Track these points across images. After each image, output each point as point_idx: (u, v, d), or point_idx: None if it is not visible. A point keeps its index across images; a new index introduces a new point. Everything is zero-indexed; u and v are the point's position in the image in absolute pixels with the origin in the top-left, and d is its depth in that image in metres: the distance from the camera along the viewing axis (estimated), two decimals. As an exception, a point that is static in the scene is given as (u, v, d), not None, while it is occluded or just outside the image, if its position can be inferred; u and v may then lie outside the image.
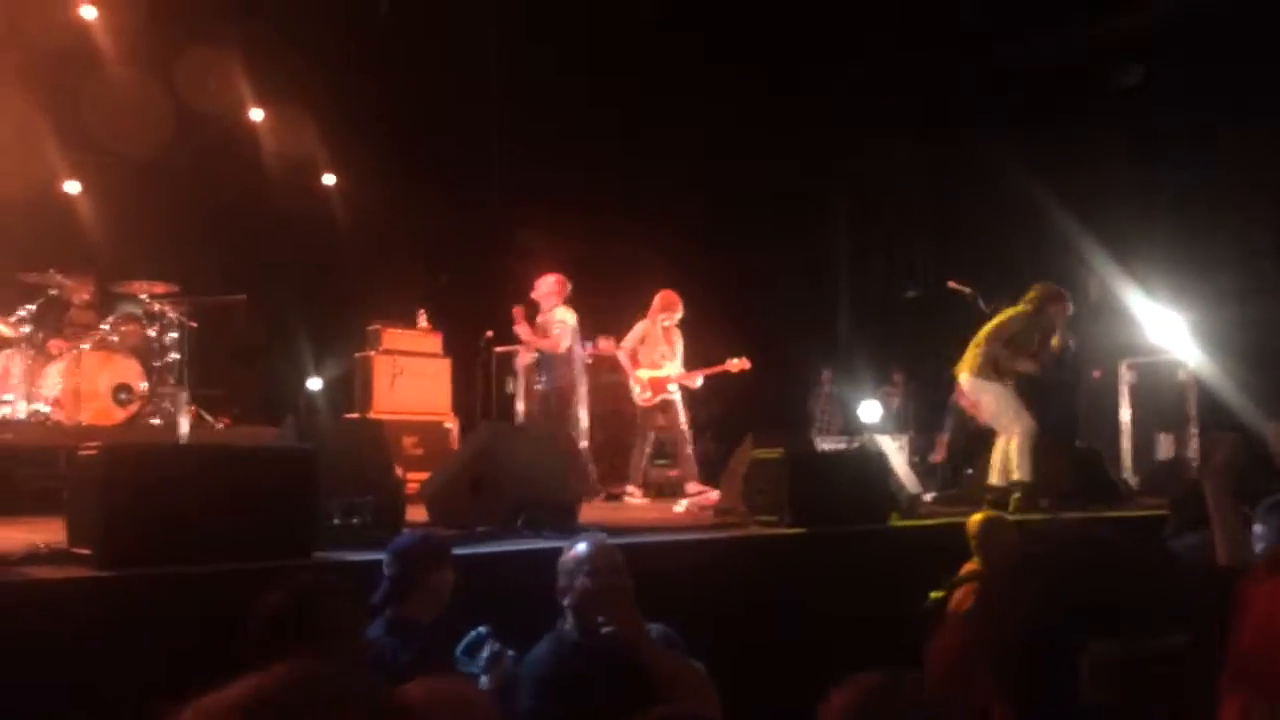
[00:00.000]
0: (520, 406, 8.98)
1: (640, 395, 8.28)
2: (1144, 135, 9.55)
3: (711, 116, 10.61)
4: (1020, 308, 7.11)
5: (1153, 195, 9.45)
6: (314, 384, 9.25)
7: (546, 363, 8.04)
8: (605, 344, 9.72)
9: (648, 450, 8.43)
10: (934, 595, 4.08)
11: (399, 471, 6.00)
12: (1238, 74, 8.85)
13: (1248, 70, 8.79)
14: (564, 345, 7.93)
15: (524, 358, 8.55)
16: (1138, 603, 1.05)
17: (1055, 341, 7.14)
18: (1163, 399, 9.03)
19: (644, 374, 8.24)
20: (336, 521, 4.31)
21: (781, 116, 11.06)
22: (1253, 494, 3.40)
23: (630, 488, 8.19)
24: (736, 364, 8.28)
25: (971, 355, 7.13)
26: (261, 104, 9.66)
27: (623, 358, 8.35)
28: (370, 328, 8.97)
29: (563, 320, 7.96)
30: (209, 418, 7.78)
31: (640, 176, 10.57)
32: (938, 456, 9.79)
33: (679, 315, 8.29)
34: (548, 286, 8.06)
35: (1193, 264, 9.10)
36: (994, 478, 7.12)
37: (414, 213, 9.81)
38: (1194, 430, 8.81)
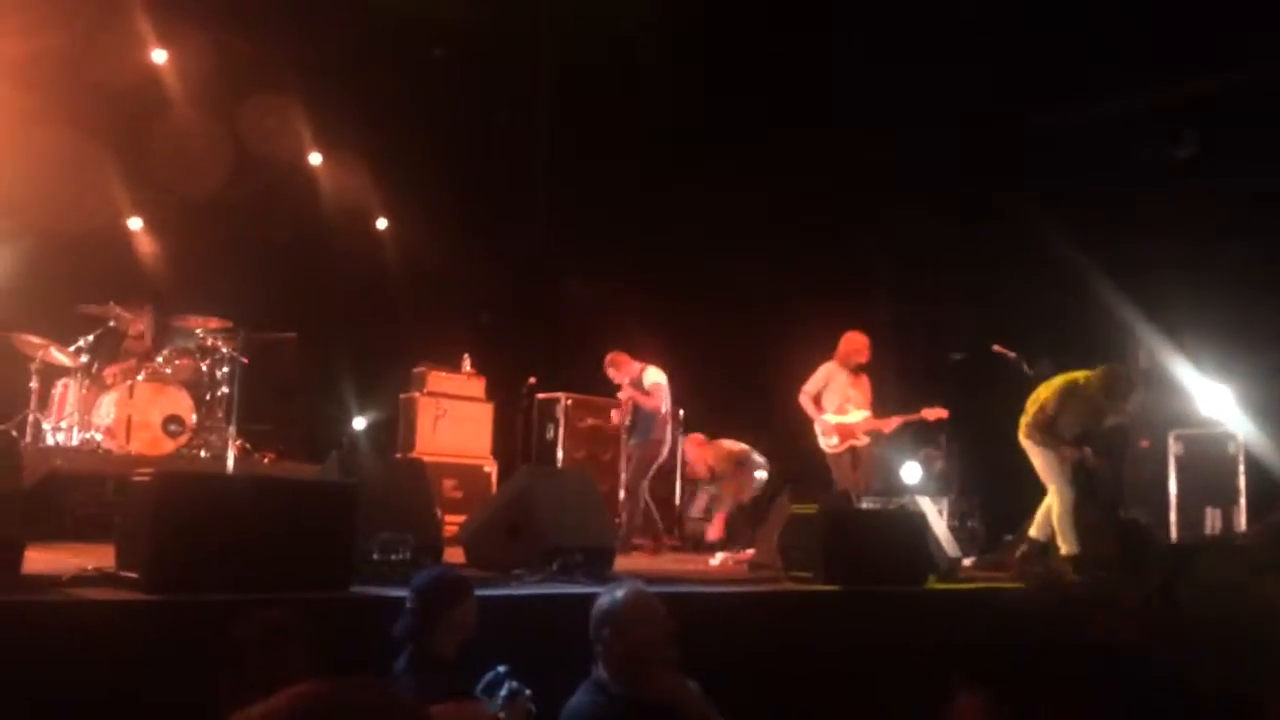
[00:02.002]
0: (560, 453, 9.03)
1: (827, 442, 7.91)
2: (1196, 205, 9.48)
3: (759, 180, 10.71)
4: (1089, 387, 6.97)
5: (1203, 266, 9.36)
6: (358, 423, 9.37)
7: (645, 422, 8.12)
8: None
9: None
10: None
11: (438, 512, 6.05)
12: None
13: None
14: (665, 406, 8.10)
15: (617, 417, 8.55)
16: None
17: (1108, 420, 7.10)
18: (1211, 472, 8.87)
19: (831, 419, 7.87)
20: (376, 557, 4.36)
21: (825, 182, 11.15)
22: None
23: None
24: (933, 412, 7.91)
25: (1026, 417, 7.09)
26: (320, 148, 9.92)
27: (805, 402, 7.93)
28: (416, 370, 9.10)
29: (657, 382, 8.14)
30: (254, 452, 7.90)
31: (688, 234, 10.67)
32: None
33: (865, 360, 7.98)
34: (619, 365, 8.24)
35: (1243, 337, 8.98)
36: (1034, 531, 7.07)
37: (463, 258, 9.98)
38: (1242, 504, 8.64)
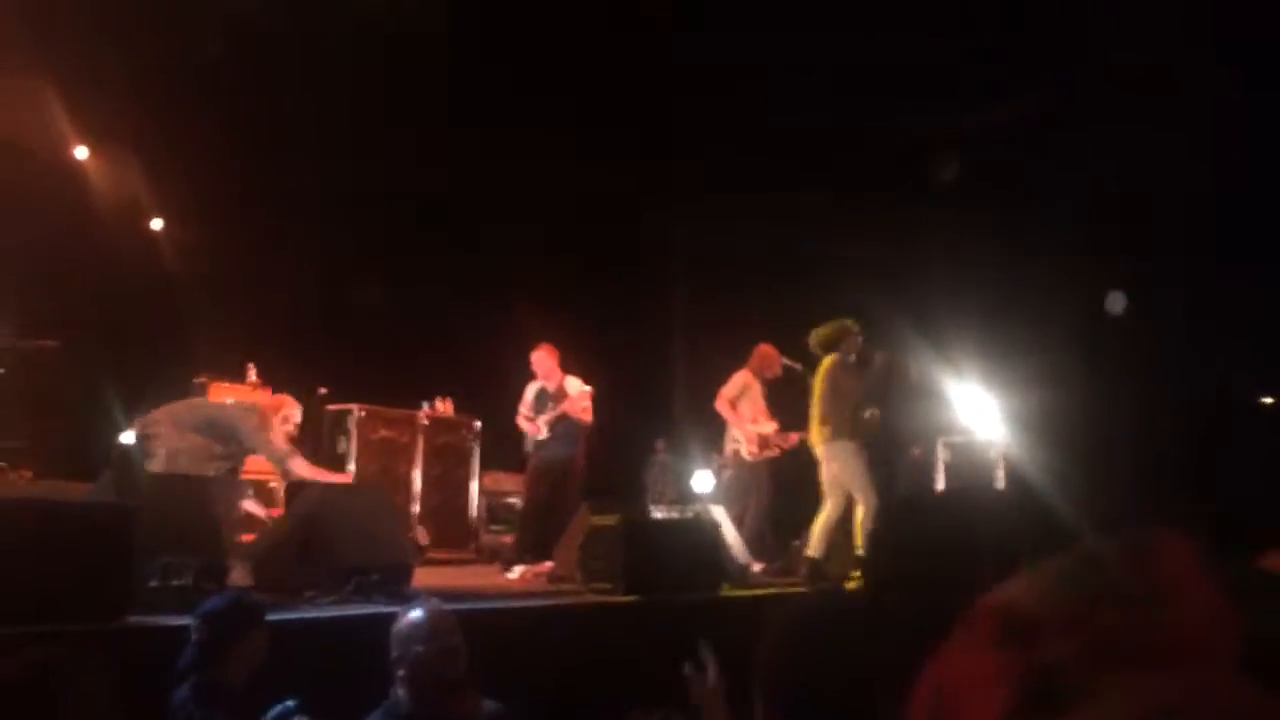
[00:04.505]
0: (352, 466, 8.74)
1: (748, 450, 8.05)
2: (960, 228, 10.24)
3: (557, 189, 10.77)
4: (827, 360, 7.26)
5: (966, 285, 10.10)
6: (128, 437, 8.73)
7: (568, 432, 7.62)
8: (442, 405, 9.61)
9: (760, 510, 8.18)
10: None
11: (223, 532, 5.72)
12: (1042, 177, 9.67)
13: (1051, 174, 9.61)
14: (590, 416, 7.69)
15: (533, 425, 7.85)
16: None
17: (877, 364, 7.31)
18: (975, 475, 9.57)
19: (752, 428, 8.00)
20: (155, 583, 4.08)
21: (621, 191, 11.34)
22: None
23: (756, 566, 7.65)
24: None
25: (814, 424, 7.27)
26: (86, 141, 9.23)
27: (724, 408, 8.03)
28: (196, 380, 8.60)
29: (586, 390, 7.68)
30: (9, 470, 7.24)
31: (488, 240, 10.59)
32: None
33: (778, 373, 8.13)
34: (552, 359, 7.77)
35: (1001, 351, 9.75)
36: (811, 550, 7.21)
37: (246, 263, 9.51)
38: (1002, 506, 9.35)
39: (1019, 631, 0.54)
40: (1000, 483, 9.36)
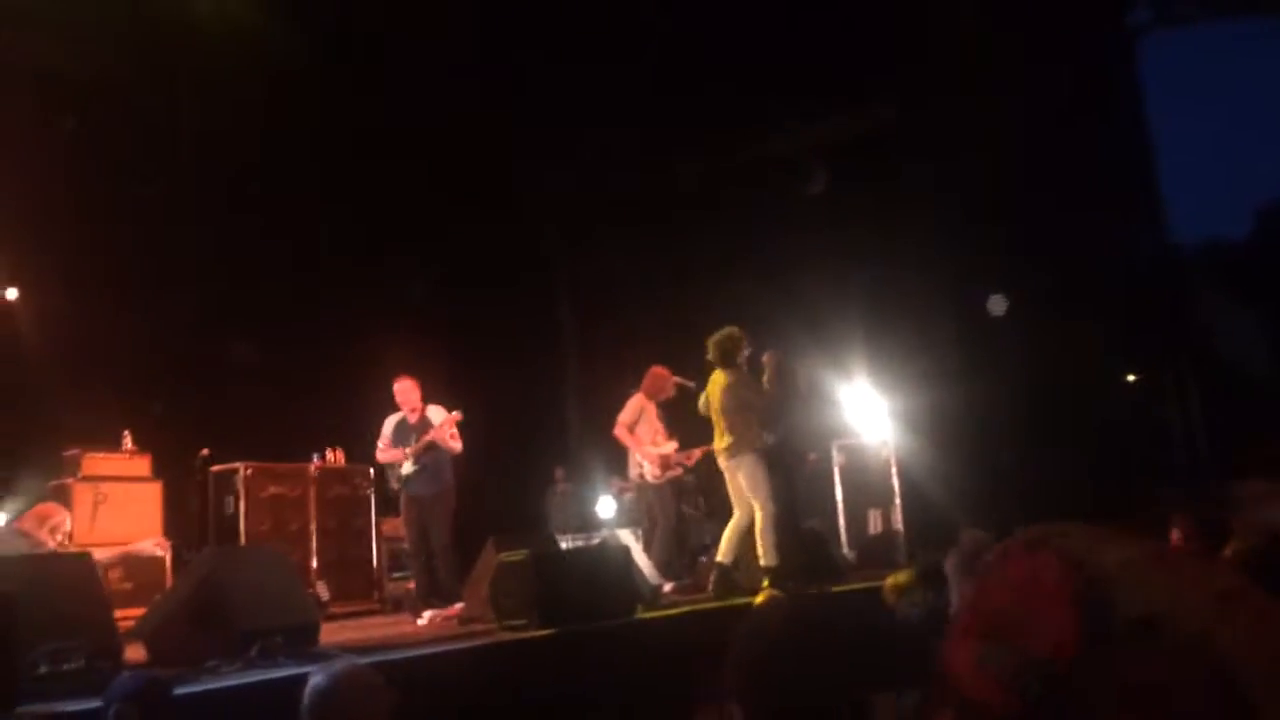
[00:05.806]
0: (242, 527, 8.43)
1: (649, 473, 8.12)
2: (836, 234, 10.48)
3: (437, 226, 10.68)
4: (725, 374, 7.31)
5: (847, 290, 10.34)
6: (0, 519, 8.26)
7: (439, 464, 7.50)
8: (333, 455, 9.37)
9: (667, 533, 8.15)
10: None
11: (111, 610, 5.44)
12: (911, 179, 10.01)
13: (918, 178, 9.96)
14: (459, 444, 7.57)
15: (395, 453, 7.70)
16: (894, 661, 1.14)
17: (765, 379, 7.37)
18: (870, 477, 9.76)
19: (653, 450, 8.09)
20: (44, 670, 3.84)
21: (507, 225, 11.31)
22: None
23: (667, 586, 7.63)
24: None
25: (718, 436, 7.33)
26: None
27: (622, 434, 8.12)
28: (67, 453, 8.19)
29: (449, 416, 7.56)
30: None
31: (370, 284, 10.42)
32: None
33: (672, 394, 8.21)
34: (416, 390, 7.65)
35: (886, 352, 10.00)
36: (721, 556, 7.27)
37: (112, 328, 9.12)
38: (897, 503, 9.55)
39: (1070, 558, 0.87)
40: (894, 480, 9.57)
